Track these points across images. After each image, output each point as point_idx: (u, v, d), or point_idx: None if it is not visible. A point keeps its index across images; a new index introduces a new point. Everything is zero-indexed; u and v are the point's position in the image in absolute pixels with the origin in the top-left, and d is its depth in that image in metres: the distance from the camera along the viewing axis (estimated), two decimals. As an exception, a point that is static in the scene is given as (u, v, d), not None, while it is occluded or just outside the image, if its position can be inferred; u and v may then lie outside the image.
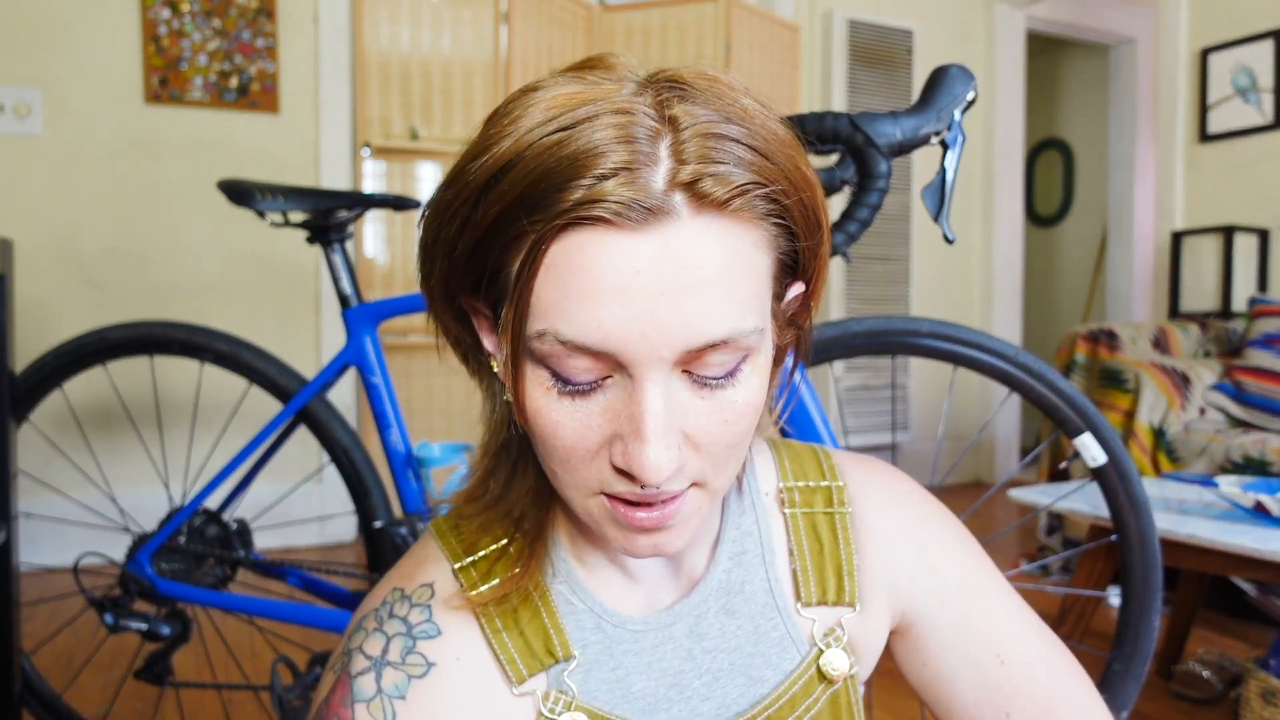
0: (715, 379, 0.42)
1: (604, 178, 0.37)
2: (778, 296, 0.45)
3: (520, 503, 0.52)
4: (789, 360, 0.53)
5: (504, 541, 0.52)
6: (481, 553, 0.52)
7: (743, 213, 0.40)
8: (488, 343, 0.47)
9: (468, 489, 0.53)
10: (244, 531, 1.39)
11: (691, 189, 0.38)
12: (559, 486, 0.46)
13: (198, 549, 1.34)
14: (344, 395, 2.79)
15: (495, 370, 0.47)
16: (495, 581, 0.50)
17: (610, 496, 0.43)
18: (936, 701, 0.58)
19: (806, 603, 0.55)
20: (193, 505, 1.32)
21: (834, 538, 0.56)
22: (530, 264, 0.39)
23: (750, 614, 0.54)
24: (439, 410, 2.82)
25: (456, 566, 0.51)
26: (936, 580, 0.57)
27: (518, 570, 0.50)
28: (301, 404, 1.30)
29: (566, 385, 0.41)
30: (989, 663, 0.55)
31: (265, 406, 2.09)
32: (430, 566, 0.52)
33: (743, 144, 0.39)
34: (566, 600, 0.52)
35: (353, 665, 0.49)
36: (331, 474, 2.77)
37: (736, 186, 0.39)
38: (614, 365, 0.40)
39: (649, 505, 0.43)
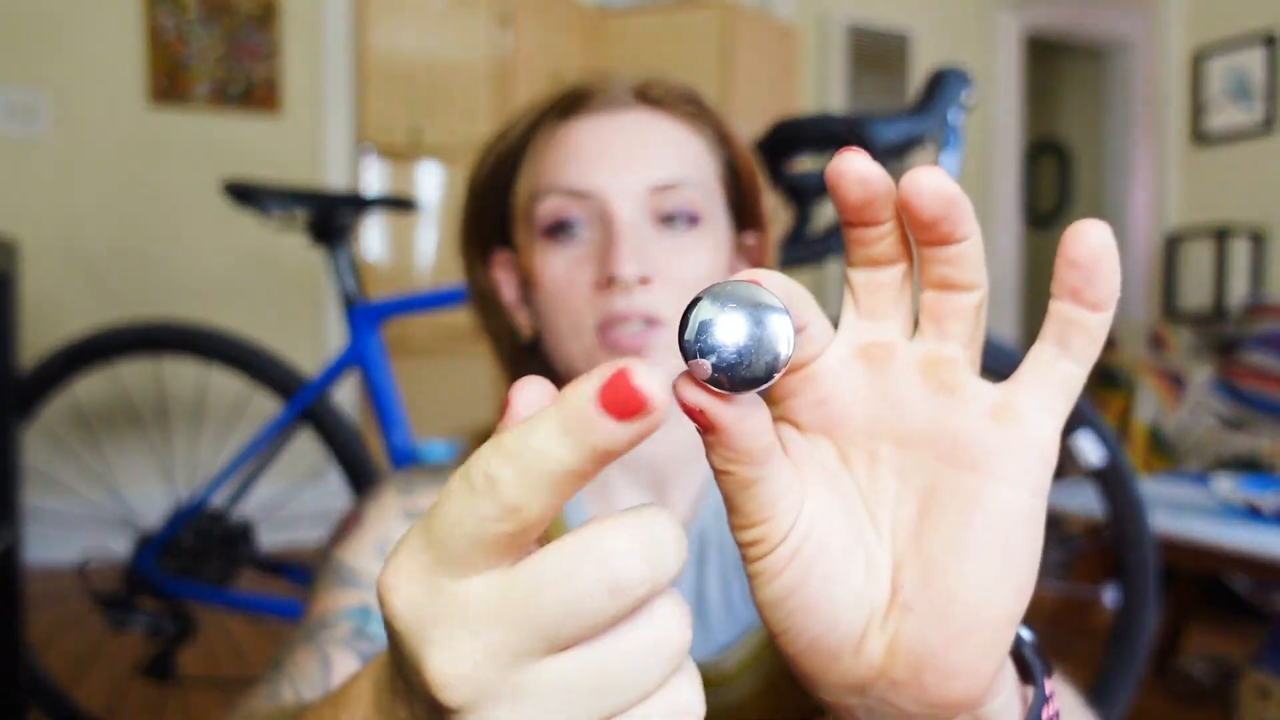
0: (675, 218, 0.55)
1: (589, 91, 0.57)
2: (734, 230, 0.61)
3: None
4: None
5: None
6: None
7: (681, 118, 0.58)
8: (506, 291, 0.62)
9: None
10: (248, 530, 1.40)
11: (643, 93, 0.57)
12: (563, 345, 0.56)
13: (202, 547, 1.36)
14: (347, 395, 2.80)
15: (508, 304, 0.63)
16: None
17: (602, 330, 0.53)
18: None
19: None
20: (197, 504, 1.34)
21: None
22: (541, 146, 0.57)
23: (720, 568, 0.58)
24: (442, 410, 2.83)
25: None
26: None
27: None
28: (305, 403, 1.32)
29: (559, 232, 0.55)
30: None
31: (269, 406, 2.11)
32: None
33: (683, 87, 0.58)
34: None
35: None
36: (335, 473, 2.78)
37: (673, 92, 0.57)
38: (598, 211, 0.54)
39: (629, 319, 0.53)
